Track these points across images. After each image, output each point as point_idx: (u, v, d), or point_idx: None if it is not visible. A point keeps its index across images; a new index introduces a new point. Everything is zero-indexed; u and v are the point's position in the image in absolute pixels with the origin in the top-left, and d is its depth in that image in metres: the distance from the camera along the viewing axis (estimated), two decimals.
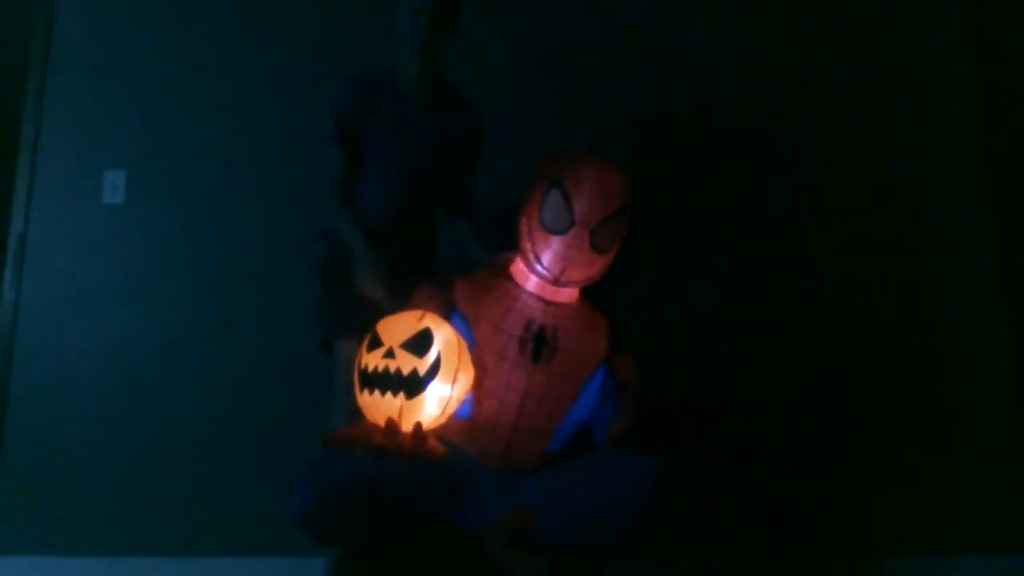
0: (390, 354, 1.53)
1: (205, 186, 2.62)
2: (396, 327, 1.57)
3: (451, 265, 1.98)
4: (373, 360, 1.54)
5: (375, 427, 1.55)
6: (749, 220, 2.71)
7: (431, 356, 1.53)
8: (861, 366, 2.64)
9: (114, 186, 2.60)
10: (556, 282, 1.70)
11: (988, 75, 2.83)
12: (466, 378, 1.59)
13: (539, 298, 1.73)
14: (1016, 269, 2.70)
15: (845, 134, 2.79)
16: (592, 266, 1.70)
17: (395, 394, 1.51)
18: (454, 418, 1.63)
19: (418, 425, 1.52)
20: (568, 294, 1.75)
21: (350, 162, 1.98)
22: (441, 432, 1.61)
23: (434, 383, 1.53)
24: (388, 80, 2.00)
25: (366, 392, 1.54)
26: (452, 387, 1.55)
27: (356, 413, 1.82)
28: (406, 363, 1.52)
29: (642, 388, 1.73)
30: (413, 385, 1.52)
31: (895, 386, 2.63)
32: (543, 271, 1.70)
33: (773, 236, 2.70)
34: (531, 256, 1.70)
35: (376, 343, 1.56)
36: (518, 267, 1.76)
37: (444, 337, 1.57)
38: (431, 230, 2.12)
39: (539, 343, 1.69)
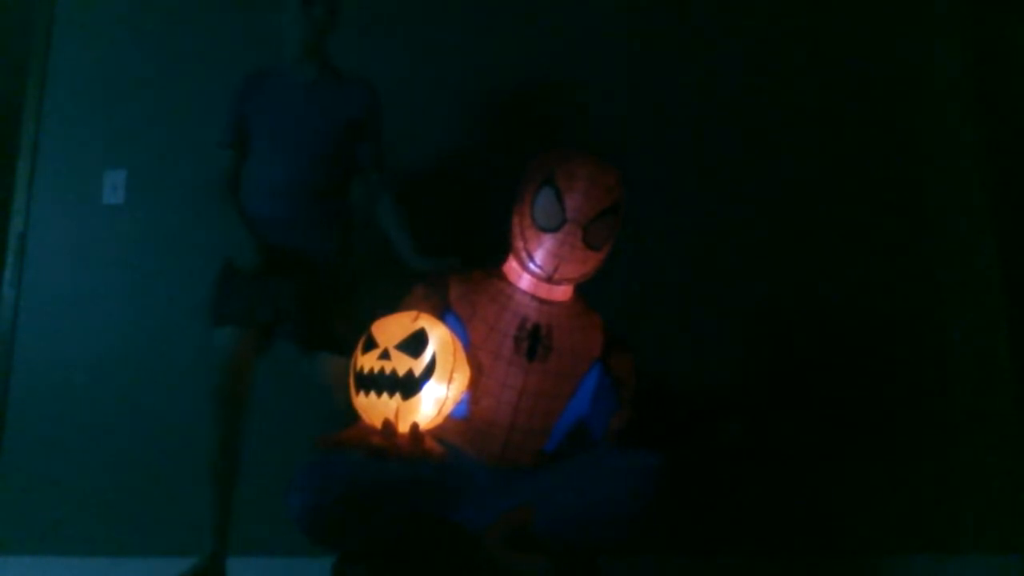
0: (385, 355, 1.52)
1: (205, 186, 2.62)
2: (391, 328, 1.56)
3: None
4: (368, 362, 1.54)
5: (372, 428, 1.55)
6: (748, 219, 2.70)
7: (426, 356, 1.52)
8: (861, 366, 2.63)
9: (114, 186, 2.61)
10: (550, 280, 1.70)
11: (987, 74, 2.82)
12: (462, 378, 1.59)
13: (533, 296, 1.72)
14: (1016, 269, 2.69)
15: (844, 133, 2.79)
16: (585, 263, 1.69)
17: (391, 395, 1.51)
18: (451, 418, 1.62)
19: (415, 426, 1.52)
20: (562, 292, 1.74)
21: (239, 156, 2.10)
22: (438, 432, 1.61)
23: (430, 383, 1.52)
24: (276, 71, 2.12)
25: (362, 394, 1.54)
26: (448, 387, 1.55)
27: (227, 408, 1.92)
28: (401, 364, 1.52)
29: (638, 385, 1.73)
30: (409, 386, 1.51)
31: (895, 386, 2.62)
32: (536, 269, 1.69)
33: (772, 235, 2.70)
34: (524, 254, 1.70)
35: (371, 344, 1.56)
36: (511, 266, 1.76)
37: (439, 337, 1.56)
38: (335, 217, 2.14)
39: (534, 341, 1.69)
